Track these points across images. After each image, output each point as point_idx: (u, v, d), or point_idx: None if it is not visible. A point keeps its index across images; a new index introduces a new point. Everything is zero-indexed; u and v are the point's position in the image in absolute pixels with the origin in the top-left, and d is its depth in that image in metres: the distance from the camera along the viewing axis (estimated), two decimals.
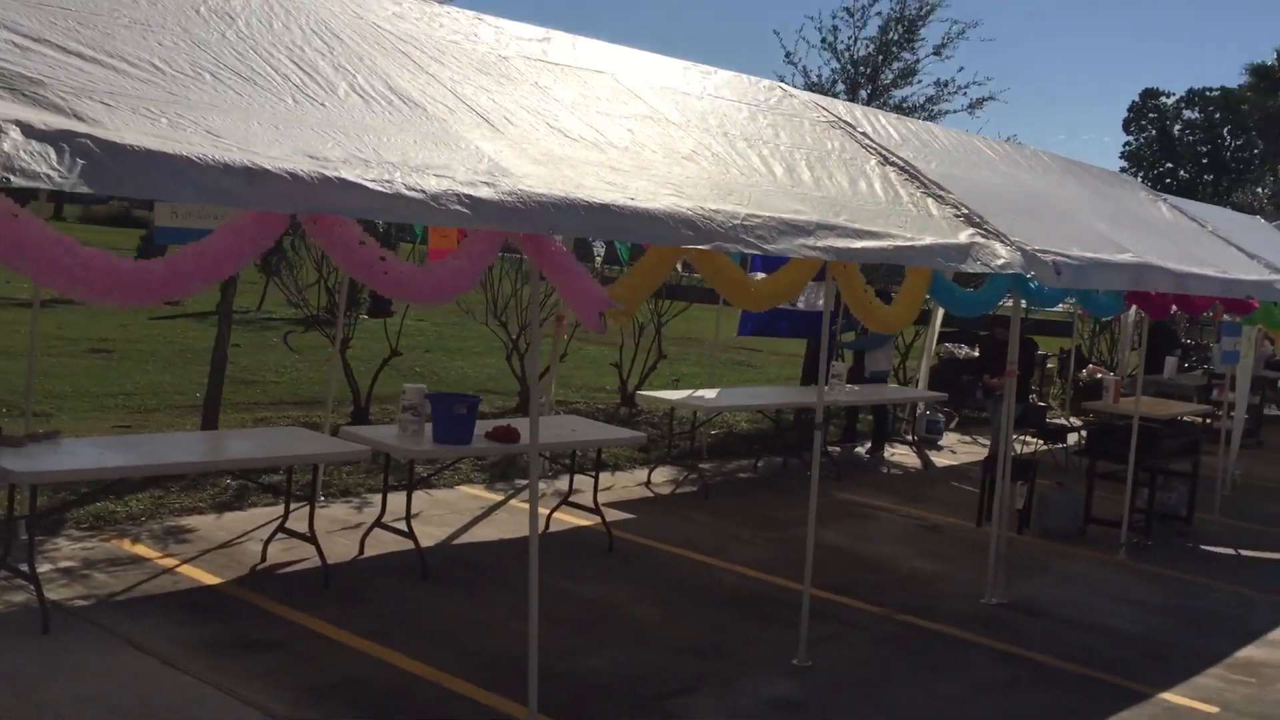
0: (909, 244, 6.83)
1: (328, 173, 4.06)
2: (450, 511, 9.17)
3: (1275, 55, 51.02)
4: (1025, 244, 7.67)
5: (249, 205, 3.91)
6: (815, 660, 6.57)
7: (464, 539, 8.54)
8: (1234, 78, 69.54)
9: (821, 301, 12.92)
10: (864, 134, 8.89)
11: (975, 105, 17.49)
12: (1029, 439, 13.60)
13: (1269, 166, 51.75)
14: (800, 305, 12.83)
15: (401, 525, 7.67)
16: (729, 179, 6.47)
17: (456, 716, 5.51)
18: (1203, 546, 10.40)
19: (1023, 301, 8.04)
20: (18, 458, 6.05)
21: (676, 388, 14.53)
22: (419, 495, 8.94)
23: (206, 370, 10.32)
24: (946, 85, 17.30)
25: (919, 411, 14.46)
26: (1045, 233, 8.40)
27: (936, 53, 17.24)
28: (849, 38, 16.94)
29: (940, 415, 14.65)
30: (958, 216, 7.85)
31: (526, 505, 9.50)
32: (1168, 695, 6.59)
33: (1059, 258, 7.80)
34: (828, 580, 8.04)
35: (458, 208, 4.42)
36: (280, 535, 7.53)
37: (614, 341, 14.37)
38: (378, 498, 8.45)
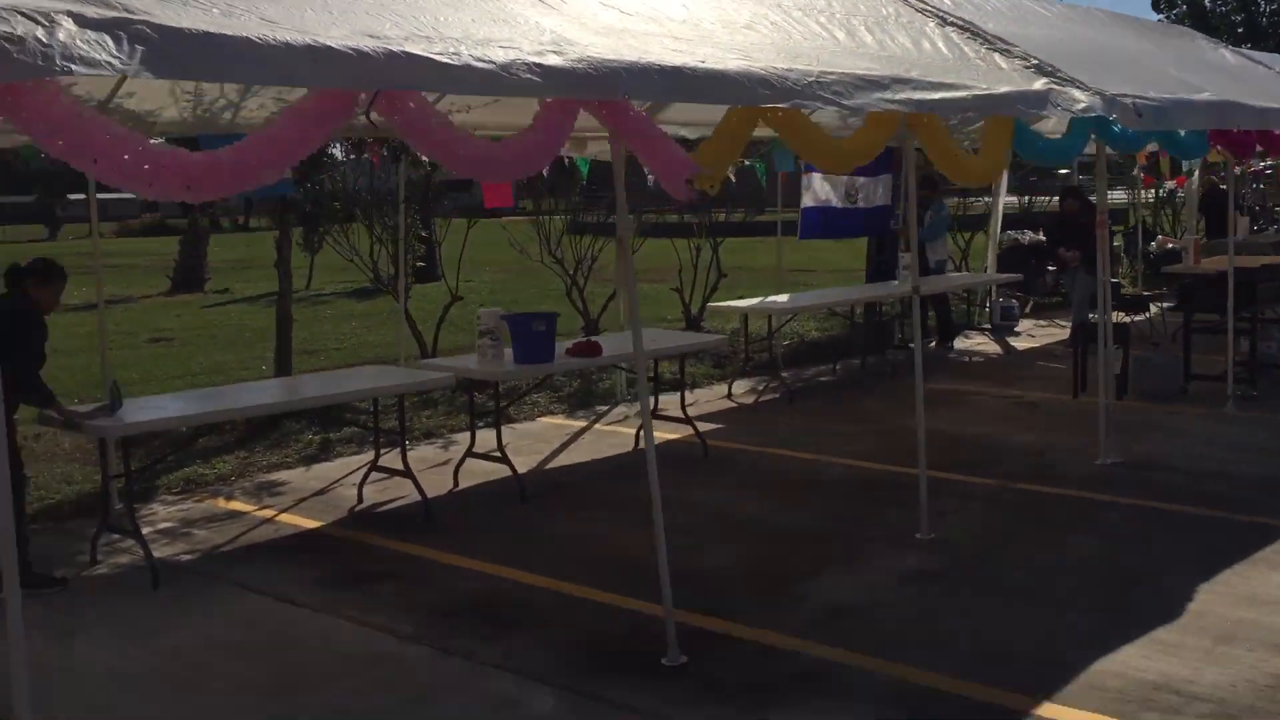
0: (987, 92, 6.50)
1: (393, 48, 3.84)
2: (537, 440, 9.00)
3: None
4: (1103, 89, 7.32)
5: (316, 83, 3.71)
6: (938, 533, 6.35)
7: (556, 464, 8.37)
8: None
9: (880, 196, 12.63)
10: None
11: None
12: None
13: None
14: (860, 203, 12.48)
15: (494, 454, 7.51)
16: (792, 44, 6.17)
17: (584, 619, 5.36)
18: None
19: (1106, 148, 7.68)
20: (99, 420, 5.92)
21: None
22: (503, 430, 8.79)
23: (269, 346, 10.20)
24: None
25: (992, 298, 14.09)
26: (1119, 79, 8.02)
27: None
28: None
29: (1014, 300, 14.27)
30: (1028, 68, 7.49)
31: (612, 428, 9.42)
32: None
33: (1139, 100, 7.46)
34: (934, 461, 7.72)
35: (530, 76, 4.17)
36: (374, 477, 7.40)
37: (666, 270, 14.13)
38: (462, 436, 8.33)
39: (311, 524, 6.96)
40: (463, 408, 9.32)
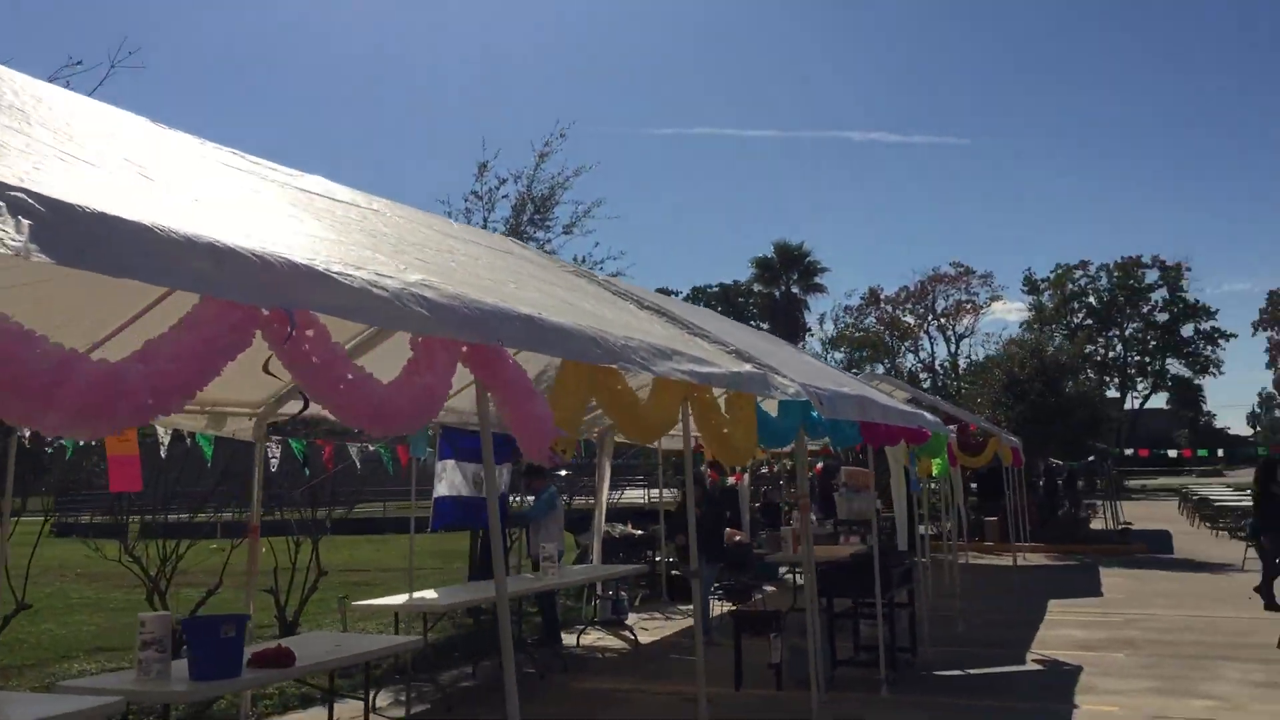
0: (735, 371, 6.45)
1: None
2: None
3: (773, 250, 56.56)
4: (795, 377, 7.54)
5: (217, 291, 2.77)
6: None
7: None
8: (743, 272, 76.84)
9: (503, 483, 12.19)
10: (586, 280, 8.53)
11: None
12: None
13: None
14: (484, 491, 11.95)
15: None
16: (575, 309, 5.78)
17: None
18: (935, 672, 10.50)
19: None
20: None
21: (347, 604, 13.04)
22: None
23: None
24: (584, 261, 17.46)
25: (600, 592, 13.86)
26: (792, 370, 8.36)
27: (567, 231, 17.46)
28: (481, 220, 16.69)
29: (623, 593, 14.12)
30: (728, 352, 7.59)
31: None
32: None
33: (816, 390, 7.75)
34: None
35: (418, 309, 3.45)
36: None
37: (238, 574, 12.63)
38: None
39: None
40: None
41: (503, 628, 4.28)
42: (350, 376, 3.17)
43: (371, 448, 12.27)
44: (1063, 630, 12.85)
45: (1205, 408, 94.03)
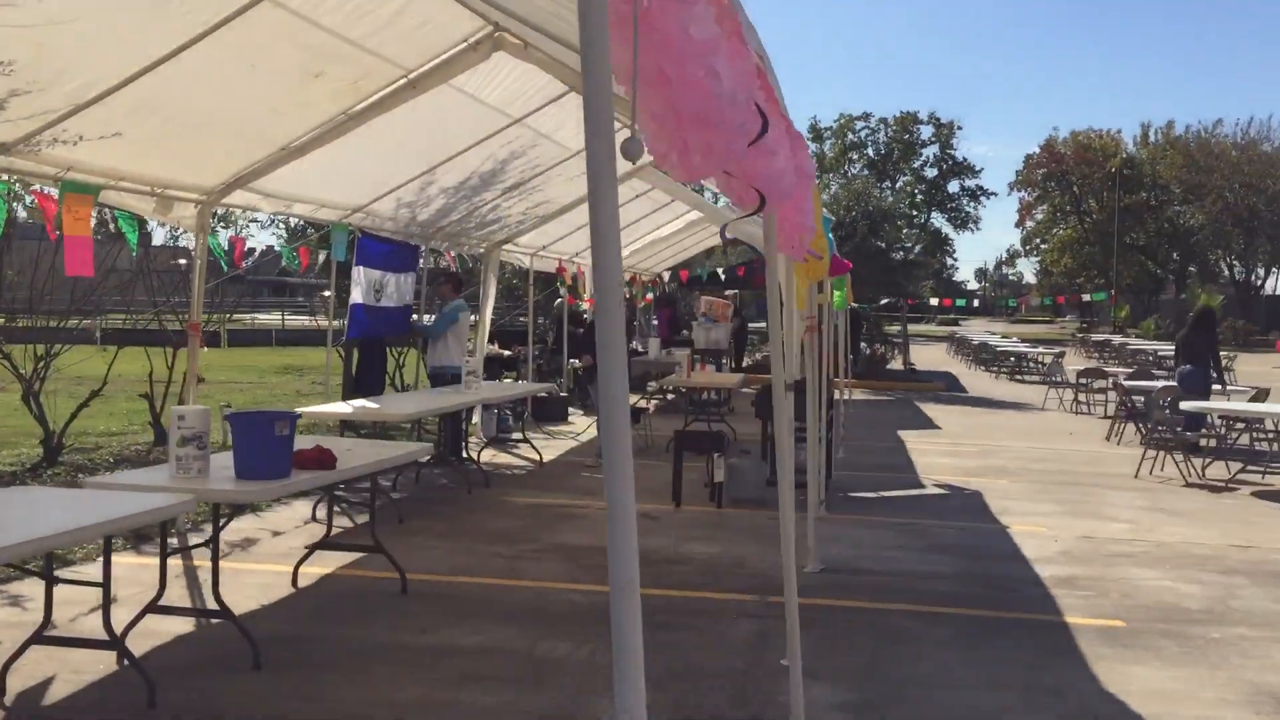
0: None
1: None
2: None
3: None
4: None
5: None
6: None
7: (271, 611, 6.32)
8: None
9: (407, 294, 11.67)
10: None
11: None
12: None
13: None
14: (387, 301, 11.38)
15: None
16: None
17: None
18: (851, 494, 10.87)
19: None
20: None
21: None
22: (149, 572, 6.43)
23: None
24: None
25: (486, 410, 13.61)
26: None
27: None
28: None
29: (508, 412, 13.92)
30: None
31: (240, 565, 7.30)
32: (1066, 618, 6.73)
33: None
34: (655, 581, 7.19)
35: None
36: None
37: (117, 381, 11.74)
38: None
39: None
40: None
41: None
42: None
43: (277, 247, 11.44)
44: (933, 459, 13.53)
45: (951, 261, 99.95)
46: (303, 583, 7.04)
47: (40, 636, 5.06)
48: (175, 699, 4.95)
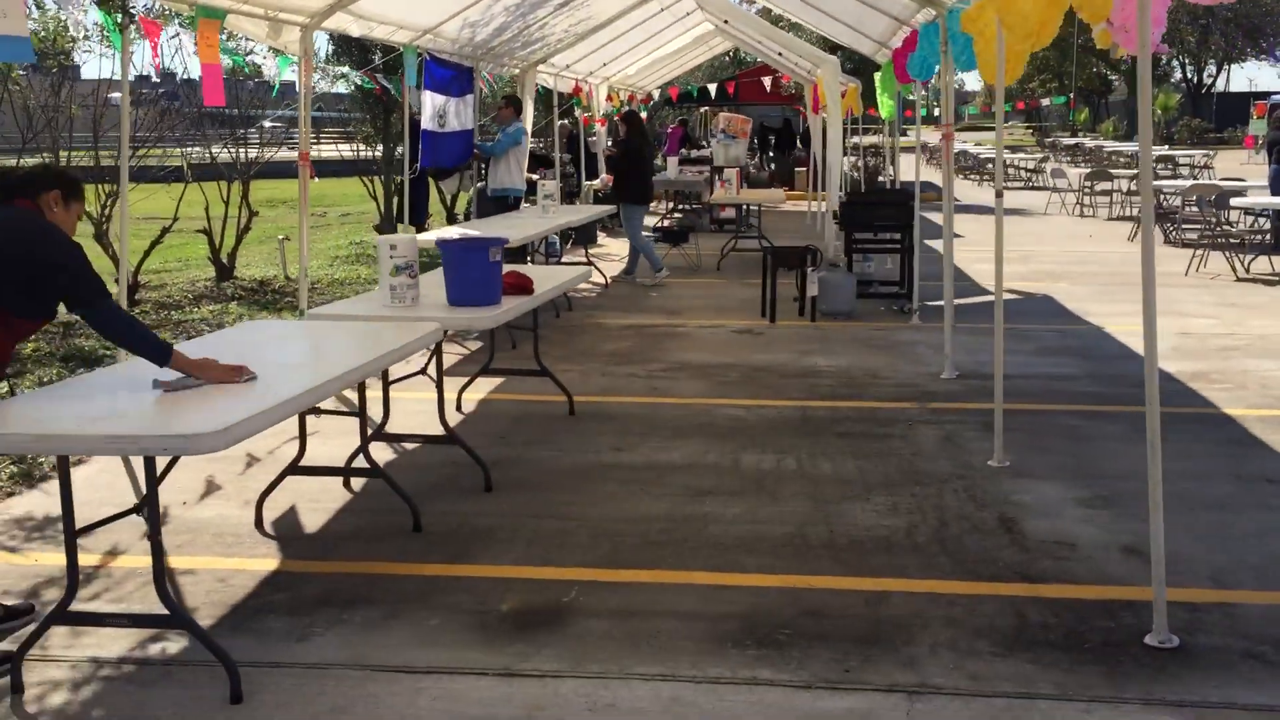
0: None
1: None
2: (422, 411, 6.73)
3: None
4: None
5: None
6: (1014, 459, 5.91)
7: (499, 442, 6.34)
8: None
9: (469, 118, 11.37)
10: None
11: None
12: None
13: None
14: (452, 125, 11.07)
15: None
16: None
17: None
18: (927, 303, 10.97)
19: None
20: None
21: (288, 245, 12.15)
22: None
23: None
24: None
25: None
26: None
27: None
28: None
29: (555, 236, 13.77)
30: None
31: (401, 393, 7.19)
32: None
33: None
34: (823, 394, 7.29)
35: None
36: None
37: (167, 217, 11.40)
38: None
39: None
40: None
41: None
42: None
43: (356, 75, 11.02)
44: (978, 266, 13.65)
45: None
46: (466, 408, 7.06)
47: (296, 467, 5.05)
48: (430, 523, 5.00)
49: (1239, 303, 10.77)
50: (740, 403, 7.19)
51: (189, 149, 11.57)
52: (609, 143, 18.42)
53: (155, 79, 12.17)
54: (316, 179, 8.07)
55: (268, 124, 14.48)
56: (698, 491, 5.47)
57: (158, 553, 3.49)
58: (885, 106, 12.89)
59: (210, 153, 11.69)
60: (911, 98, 13.91)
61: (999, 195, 6.06)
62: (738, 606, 4.16)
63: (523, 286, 5.85)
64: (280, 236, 12.16)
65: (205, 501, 5.34)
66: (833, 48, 18.09)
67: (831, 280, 10.15)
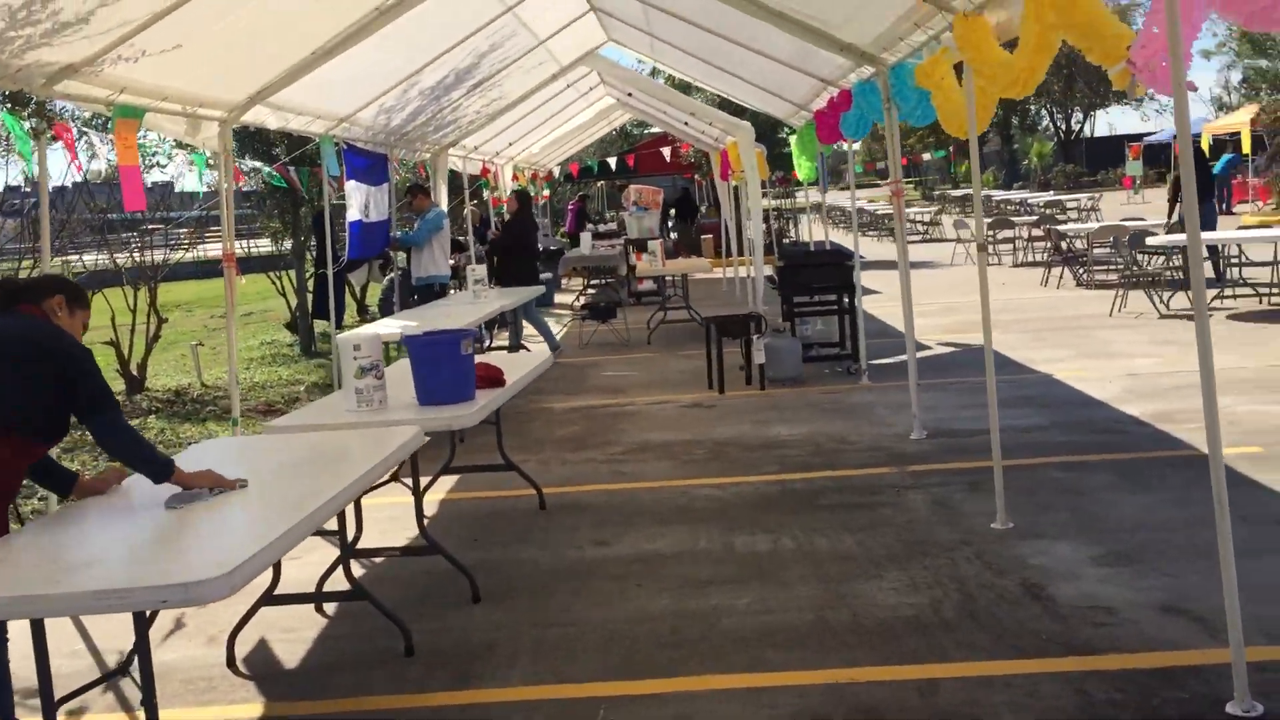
0: None
1: None
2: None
3: None
4: None
5: None
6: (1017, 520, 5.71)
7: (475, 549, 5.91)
8: None
9: (385, 208, 11.03)
10: None
11: None
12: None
13: None
14: (372, 215, 10.71)
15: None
16: None
17: None
18: (872, 362, 10.85)
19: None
20: None
21: (202, 350, 11.60)
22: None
23: None
24: None
25: None
26: None
27: None
28: None
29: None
30: None
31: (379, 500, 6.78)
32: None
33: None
34: (793, 465, 7.05)
35: None
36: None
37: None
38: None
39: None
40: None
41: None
42: None
43: (266, 171, 10.58)
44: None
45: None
46: (429, 510, 6.65)
47: (271, 596, 4.61)
48: (422, 643, 4.60)
49: (1172, 339, 10.86)
50: (713, 481, 6.91)
51: (90, 257, 11.02)
52: (495, 226, 18.08)
53: (26, 189, 11.60)
54: (244, 279, 7.65)
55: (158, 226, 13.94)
56: (697, 582, 5.16)
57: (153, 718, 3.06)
58: (804, 168, 12.86)
59: (114, 260, 11.13)
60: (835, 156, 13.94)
61: (981, 249, 5.94)
62: (783, 710, 3.84)
63: (494, 379, 5.51)
64: (193, 343, 11.59)
65: (168, 642, 4.85)
66: (739, 113, 18.12)
67: (777, 346, 9.98)
